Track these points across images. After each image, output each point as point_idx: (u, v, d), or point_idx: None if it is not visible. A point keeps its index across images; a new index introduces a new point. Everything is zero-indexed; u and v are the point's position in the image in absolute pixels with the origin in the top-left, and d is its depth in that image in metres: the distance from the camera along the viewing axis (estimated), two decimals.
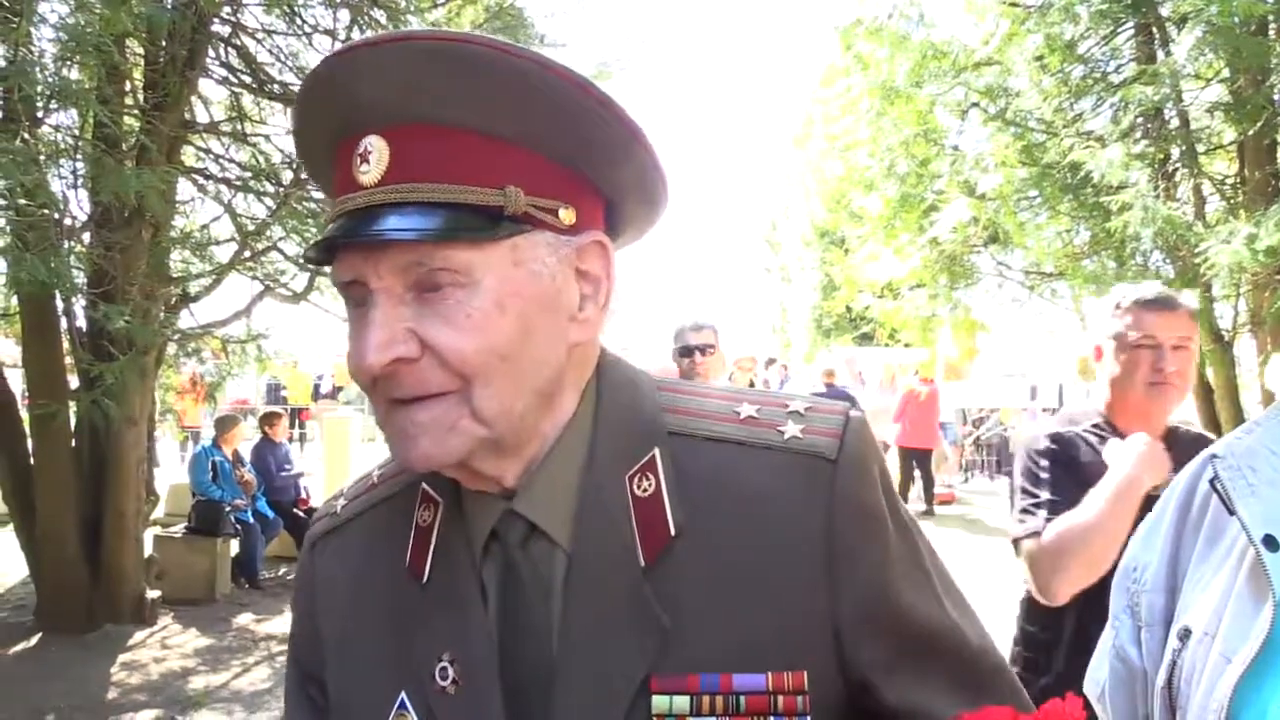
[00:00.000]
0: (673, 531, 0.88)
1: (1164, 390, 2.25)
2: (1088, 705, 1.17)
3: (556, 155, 0.87)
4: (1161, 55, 7.65)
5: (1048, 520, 2.15)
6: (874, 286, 10.50)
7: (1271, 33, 7.05)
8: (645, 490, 0.90)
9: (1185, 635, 1.03)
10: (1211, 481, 1.05)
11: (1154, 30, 7.87)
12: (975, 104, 8.59)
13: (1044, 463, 2.28)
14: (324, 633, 1.01)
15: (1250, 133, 6.51)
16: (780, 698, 0.85)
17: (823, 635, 0.88)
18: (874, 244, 9.78)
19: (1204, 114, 7.81)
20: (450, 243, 0.81)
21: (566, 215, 0.88)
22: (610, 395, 0.96)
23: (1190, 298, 2.34)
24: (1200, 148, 7.81)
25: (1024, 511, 2.25)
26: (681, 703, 0.84)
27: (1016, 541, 2.25)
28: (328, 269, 0.89)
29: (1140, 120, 7.48)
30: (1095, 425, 2.35)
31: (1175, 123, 7.76)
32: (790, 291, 32.37)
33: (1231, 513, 1.01)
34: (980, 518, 12.62)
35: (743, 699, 0.85)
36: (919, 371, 14.16)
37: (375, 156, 0.83)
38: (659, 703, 0.84)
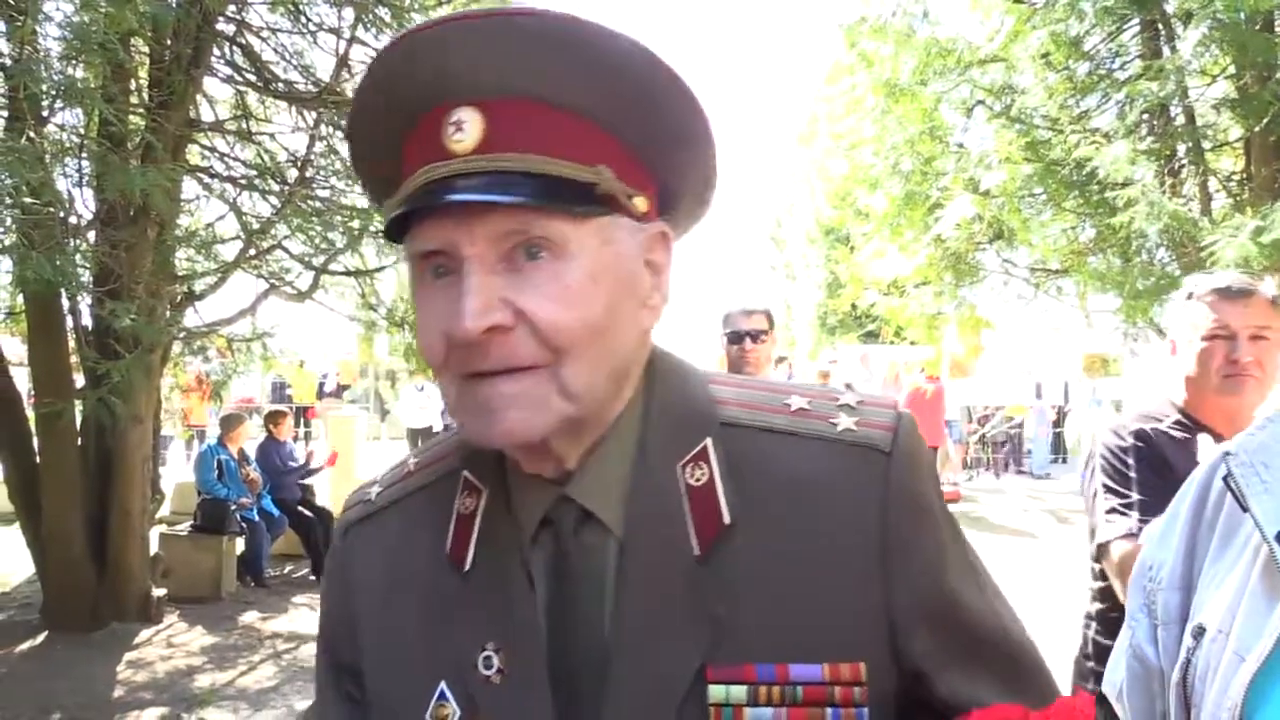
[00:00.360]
0: (727, 520, 0.88)
1: (1240, 382, 2.15)
2: (1105, 705, 1.17)
3: (635, 143, 0.89)
4: (1167, 51, 7.63)
5: (1142, 521, 2.07)
6: (879, 284, 10.49)
7: (1278, 28, 7.03)
8: (698, 479, 0.90)
9: (1199, 633, 1.03)
10: (1225, 479, 1.04)
11: (1159, 26, 7.84)
12: (980, 101, 8.57)
13: (1131, 461, 2.19)
14: (361, 622, 1.00)
15: (1257, 129, 6.48)
16: (837, 688, 0.85)
17: (877, 626, 0.88)
18: (879, 241, 9.77)
19: (1210, 110, 7.78)
20: (551, 212, 0.81)
21: (640, 203, 0.89)
22: (661, 384, 0.96)
23: (1270, 285, 2.23)
24: (1206, 144, 7.78)
25: (1112, 512, 2.17)
26: (739, 693, 0.84)
27: (1105, 545, 2.16)
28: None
29: (1146, 117, 7.46)
30: (1177, 422, 2.25)
31: (1181, 119, 7.74)
32: (795, 289, 32.31)
33: (1245, 510, 1.00)
34: (985, 515, 12.60)
35: (800, 689, 0.84)
36: (924, 369, 14.13)
37: (470, 126, 0.83)
38: (716, 693, 0.84)
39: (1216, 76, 7.75)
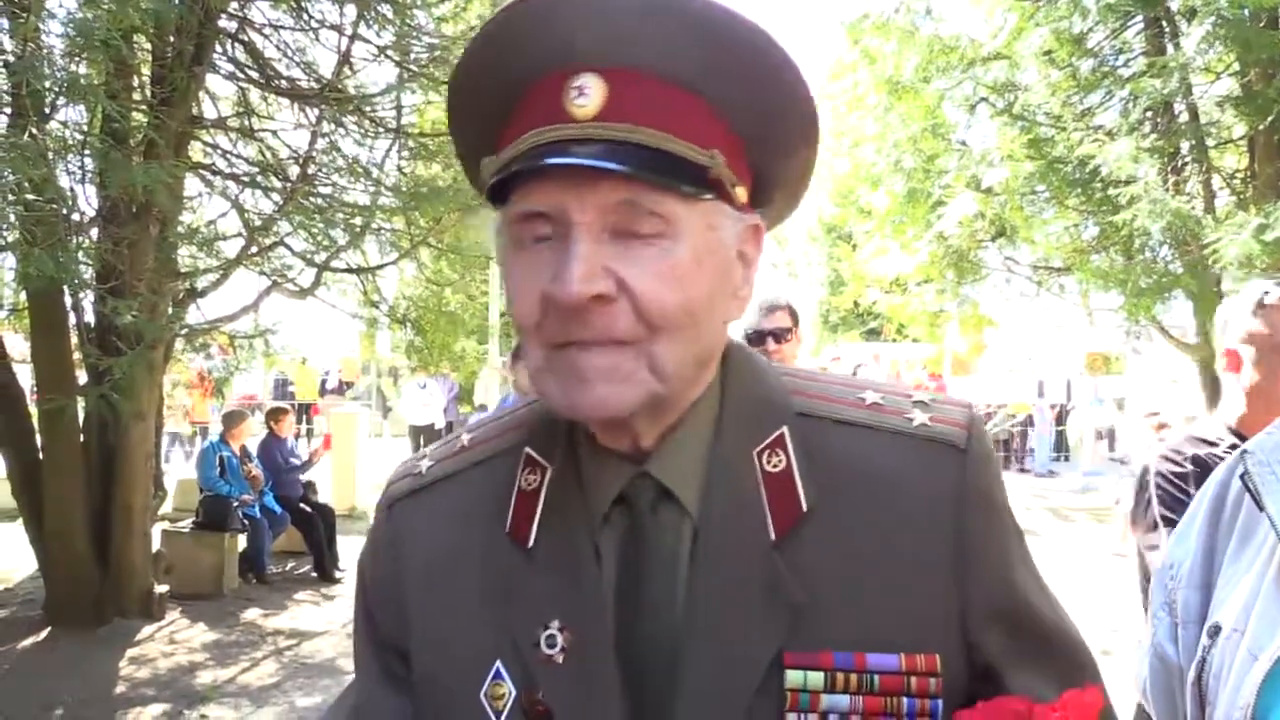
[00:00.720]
0: (804, 507, 0.88)
1: None
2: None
3: (744, 131, 0.88)
4: (1171, 49, 7.61)
5: None
6: (881, 282, 10.47)
7: None
8: (775, 466, 0.90)
9: (1215, 632, 1.02)
10: (1242, 477, 1.04)
11: (1163, 23, 7.82)
12: (983, 98, 8.56)
13: (1190, 488, 2.05)
14: (409, 598, 0.98)
15: (1261, 127, 6.47)
16: (914, 678, 0.85)
17: (951, 621, 0.88)
18: (881, 239, 9.76)
19: (1214, 108, 7.77)
20: (664, 189, 0.81)
21: (740, 193, 0.89)
22: (737, 373, 0.95)
23: None
24: (1210, 142, 7.76)
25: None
26: (816, 679, 0.84)
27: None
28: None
29: (1149, 114, 7.45)
30: (1232, 445, 2.05)
31: (1185, 116, 7.72)
32: (797, 287, 32.32)
33: (1261, 509, 1.00)
34: None
35: (876, 678, 0.84)
36: (926, 367, 14.13)
37: (592, 93, 0.82)
38: (793, 678, 0.83)
39: (1220, 74, 7.73)
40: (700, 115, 0.85)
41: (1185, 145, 7.69)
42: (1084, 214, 7.88)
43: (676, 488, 0.89)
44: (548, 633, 0.88)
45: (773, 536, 0.87)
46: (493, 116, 0.90)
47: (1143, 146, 6.73)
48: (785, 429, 0.92)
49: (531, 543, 0.92)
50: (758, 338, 3.55)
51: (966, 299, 9.34)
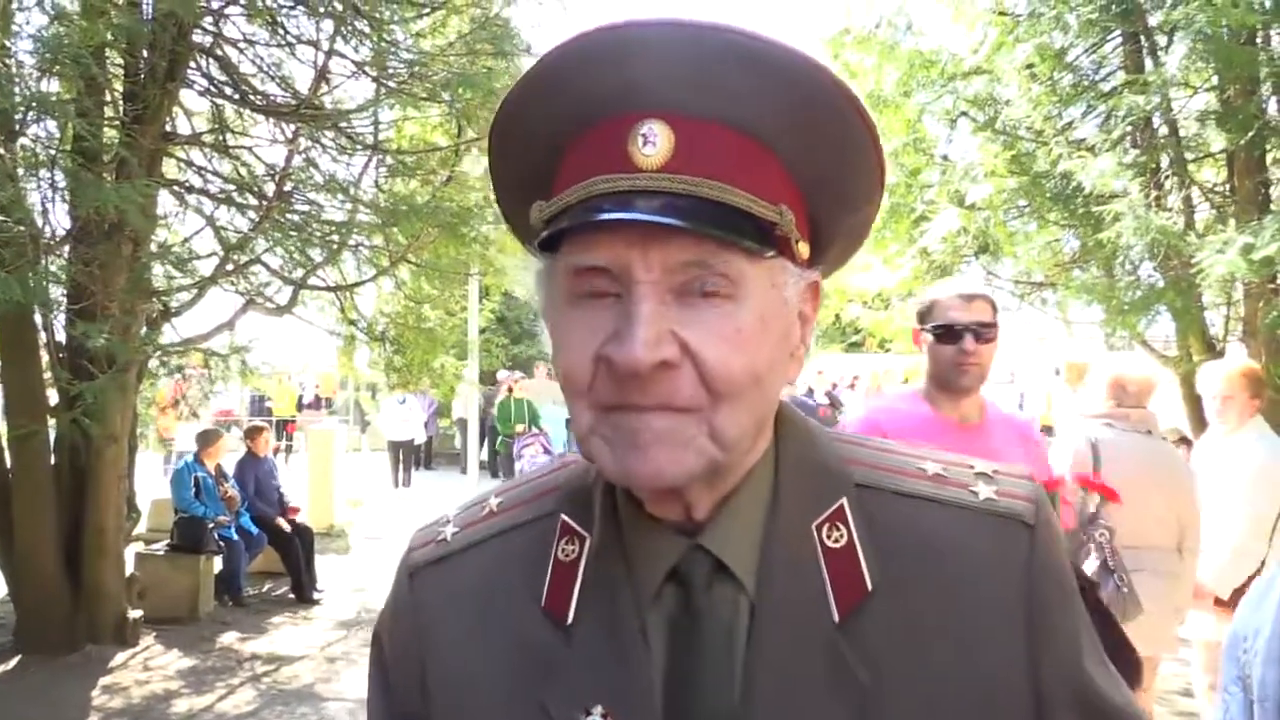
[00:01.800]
0: (869, 587, 0.83)
1: None
2: None
3: (808, 187, 0.84)
4: (1149, 64, 7.64)
5: None
6: (864, 296, 10.45)
7: (1259, 41, 7.04)
8: (837, 541, 0.85)
9: None
10: None
11: (1141, 39, 7.85)
12: (964, 113, 8.56)
13: None
14: (432, 674, 0.92)
15: (1242, 143, 6.49)
16: None
17: (1022, 707, 0.83)
18: (864, 253, 9.72)
19: (1192, 122, 7.79)
20: (732, 247, 0.76)
21: (803, 249, 0.84)
22: (790, 438, 0.90)
23: None
24: (1188, 156, 7.79)
25: None
26: None
27: None
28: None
29: (1130, 129, 7.46)
30: None
31: (1164, 131, 7.74)
32: None
33: None
34: None
35: None
36: (907, 379, 14.13)
37: (659, 141, 0.76)
38: None
39: (1199, 89, 7.76)
40: (767, 167, 0.80)
41: (1165, 160, 7.70)
42: (1066, 229, 7.89)
43: (732, 563, 0.84)
44: (590, 718, 0.82)
45: (836, 617, 0.82)
46: (544, 156, 0.84)
47: (1124, 162, 6.73)
48: (845, 501, 0.87)
49: (571, 619, 0.86)
50: (951, 334, 2.78)
51: None
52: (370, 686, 1.00)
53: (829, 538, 0.85)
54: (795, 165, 0.82)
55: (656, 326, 0.74)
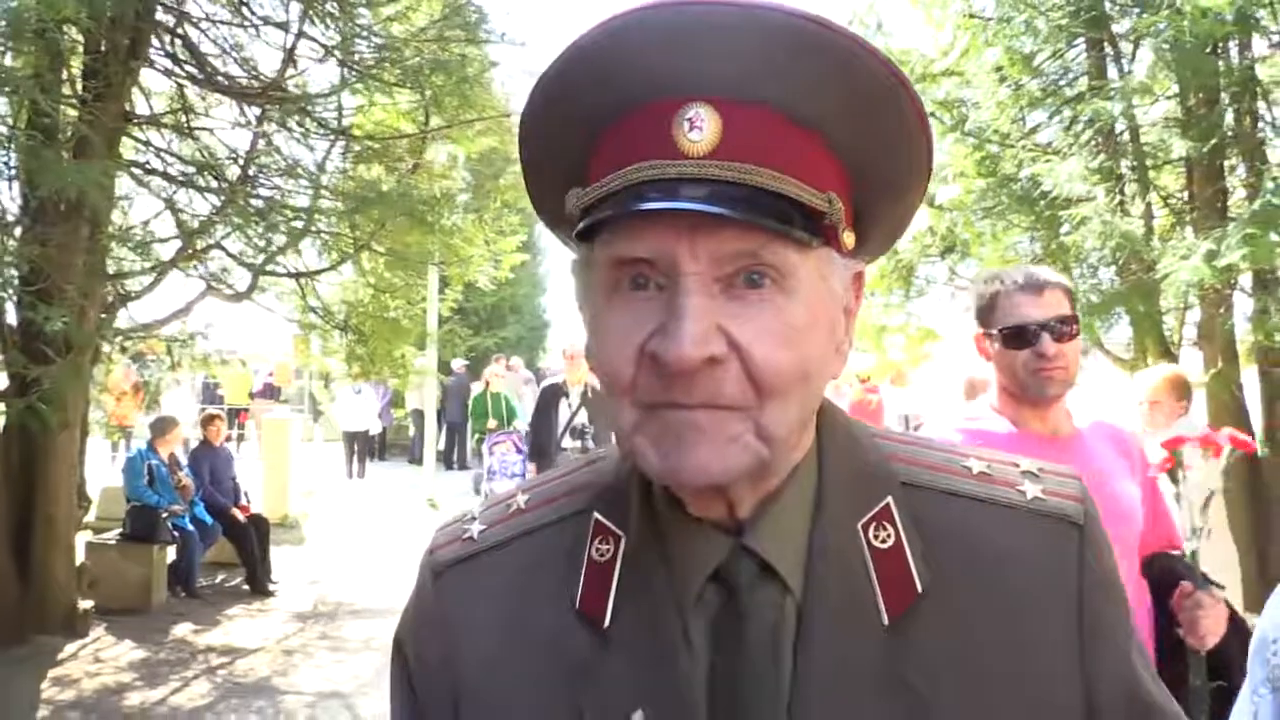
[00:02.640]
0: (919, 589, 0.80)
1: None
2: None
3: (855, 172, 0.81)
4: (1112, 70, 7.75)
5: None
6: None
7: (1222, 50, 7.16)
8: (884, 541, 0.82)
9: None
10: None
11: (1105, 46, 7.96)
12: (932, 113, 8.63)
13: None
14: (462, 679, 0.88)
15: (1205, 150, 6.60)
16: None
17: (1073, 710, 0.81)
18: None
19: (1153, 129, 7.92)
20: (782, 238, 0.73)
21: (848, 239, 0.81)
22: (833, 435, 0.87)
23: None
24: (1149, 162, 7.91)
25: None
26: None
27: None
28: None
29: (1094, 135, 7.56)
30: None
31: (1126, 137, 7.85)
32: None
33: None
34: None
35: None
36: (865, 379, 14.20)
37: (707, 126, 0.73)
38: None
39: (1160, 96, 7.88)
40: (817, 154, 0.77)
41: (1126, 165, 7.81)
42: (1031, 232, 7.98)
43: (778, 563, 0.81)
44: None
45: (885, 620, 0.79)
46: (581, 140, 0.81)
47: (1090, 166, 6.82)
48: (891, 499, 0.84)
49: (609, 621, 0.83)
50: (1025, 336, 2.31)
51: (912, 315, 9.43)
52: (393, 697, 0.96)
53: (876, 538, 0.82)
54: (844, 151, 0.79)
55: (704, 321, 0.72)
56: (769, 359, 0.73)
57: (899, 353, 11.78)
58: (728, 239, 0.72)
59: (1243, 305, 7.45)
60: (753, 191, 0.72)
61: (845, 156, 0.79)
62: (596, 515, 0.88)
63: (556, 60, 0.79)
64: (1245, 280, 7.03)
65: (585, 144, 0.81)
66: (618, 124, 0.78)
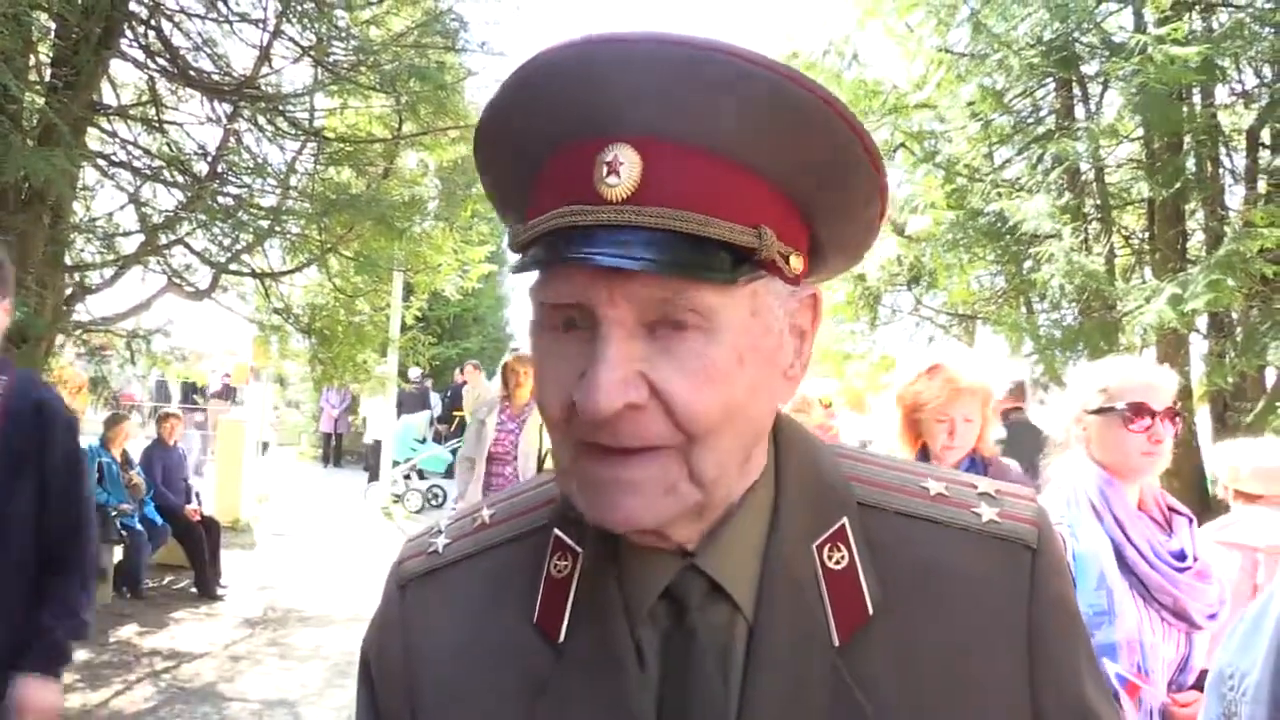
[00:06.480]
0: (870, 611, 0.81)
1: None
2: None
3: (799, 198, 0.80)
4: (1081, 111, 7.91)
5: None
6: None
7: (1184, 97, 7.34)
8: (838, 563, 0.83)
9: None
10: None
11: (1074, 87, 8.12)
12: (902, 144, 8.74)
13: None
14: (423, 692, 0.89)
15: (1167, 193, 6.75)
16: None
17: None
18: None
19: (1118, 170, 8.08)
20: (701, 281, 0.72)
21: (796, 263, 0.80)
22: (790, 453, 0.88)
23: None
24: (1113, 203, 8.07)
25: None
26: None
27: None
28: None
29: (1061, 174, 7.70)
30: None
31: (1091, 176, 8.01)
32: None
33: None
34: None
35: None
36: (824, 403, 14.25)
37: (626, 170, 0.72)
38: None
39: (1124, 138, 8.05)
40: (745, 187, 0.76)
41: (1091, 205, 7.96)
42: (997, 265, 8.11)
43: (728, 583, 0.81)
44: None
45: (836, 641, 0.80)
46: (525, 169, 0.81)
47: (1057, 204, 6.94)
48: (846, 520, 0.85)
49: (563, 637, 0.84)
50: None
51: (876, 343, 9.52)
52: (357, 706, 0.97)
53: (830, 559, 0.83)
54: (782, 179, 0.78)
55: (620, 369, 0.72)
56: (690, 402, 0.73)
57: (859, 380, 11.90)
58: (644, 285, 0.72)
59: (1198, 346, 7.62)
60: (670, 236, 0.71)
61: (786, 183, 0.78)
62: (556, 531, 0.89)
63: (499, 89, 0.79)
64: (1200, 322, 7.20)
65: (528, 174, 0.81)
66: (551, 159, 0.78)
